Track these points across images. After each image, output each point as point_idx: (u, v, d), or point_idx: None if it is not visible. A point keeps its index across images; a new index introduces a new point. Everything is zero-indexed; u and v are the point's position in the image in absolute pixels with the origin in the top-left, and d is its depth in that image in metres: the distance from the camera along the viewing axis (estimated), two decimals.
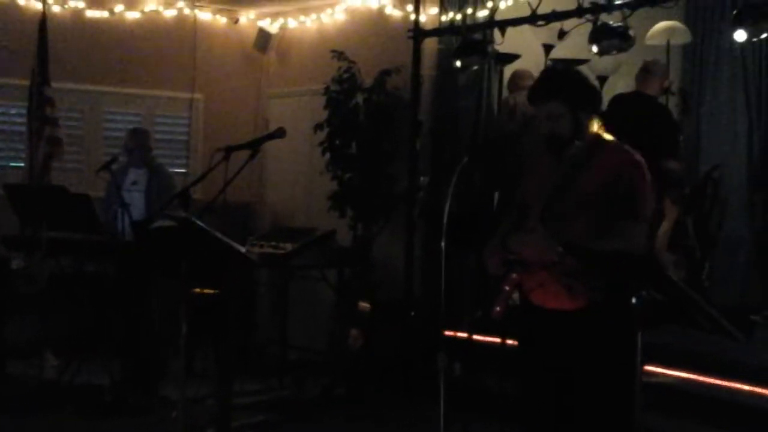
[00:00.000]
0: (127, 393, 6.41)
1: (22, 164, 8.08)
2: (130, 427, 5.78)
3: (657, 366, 5.63)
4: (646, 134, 6.77)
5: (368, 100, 7.80)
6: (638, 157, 3.67)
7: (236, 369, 5.90)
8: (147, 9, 8.89)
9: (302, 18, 9.01)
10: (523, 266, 3.65)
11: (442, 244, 3.88)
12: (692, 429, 5.37)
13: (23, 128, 8.07)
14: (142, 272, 6.47)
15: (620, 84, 8.34)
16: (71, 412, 6.14)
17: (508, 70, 7.55)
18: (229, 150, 4.73)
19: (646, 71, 7.14)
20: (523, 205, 3.80)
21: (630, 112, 6.79)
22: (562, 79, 3.73)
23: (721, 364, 5.72)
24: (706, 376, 5.65)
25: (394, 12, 8.14)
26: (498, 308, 3.65)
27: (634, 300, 3.27)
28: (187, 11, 9.05)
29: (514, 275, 3.65)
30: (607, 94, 7.82)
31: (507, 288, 3.66)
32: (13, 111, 8.42)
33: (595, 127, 3.74)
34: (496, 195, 7.08)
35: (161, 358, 6.66)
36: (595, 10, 6.33)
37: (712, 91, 7.84)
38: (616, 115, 6.98)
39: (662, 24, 7.54)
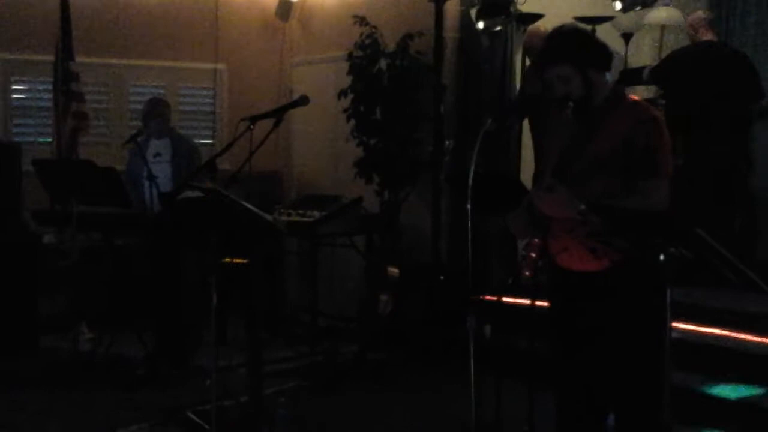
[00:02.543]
0: (160, 364, 6.48)
1: (50, 140, 8.14)
2: (164, 397, 5.85)
3: (687, 323, 5.62)
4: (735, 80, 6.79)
5: (391, 65, 7.76)
6: (654, 112, 3.64)
7: (267, 337, 5.94)
8: None
9: None
10: (545, 230, 3.66)
11: (468, 206, 3.87)
12: (723, 384, 5.36)
13: (50, 104, 8.12)
14: (172, 244, 6.51)
15: (646, 40, 8.28)
16: (106, 384, 6.22)
17: None
18: (254, 119, 4.75)
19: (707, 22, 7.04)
20: (543, 166, 3.80)
21: (712, 64, 6.81)
22: (569, 40, 3.70)
23: (751, 319, 5.71)
24: (736, 332, 5.63)
25: None
26: (527, 272, 3.67)
27: (662, 257, 3.26)
28: None
29: (536, 240, 3.67)
30: (632, 51, 7.79)
31: (533, 255, 3.68)
32: (39, 87, 8.47)
33: (610, 84, 3.72)
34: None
35: (193, 328, 6.72)
36: None
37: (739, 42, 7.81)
38: (698, 67, 6.85)
39: None
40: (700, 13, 7.09)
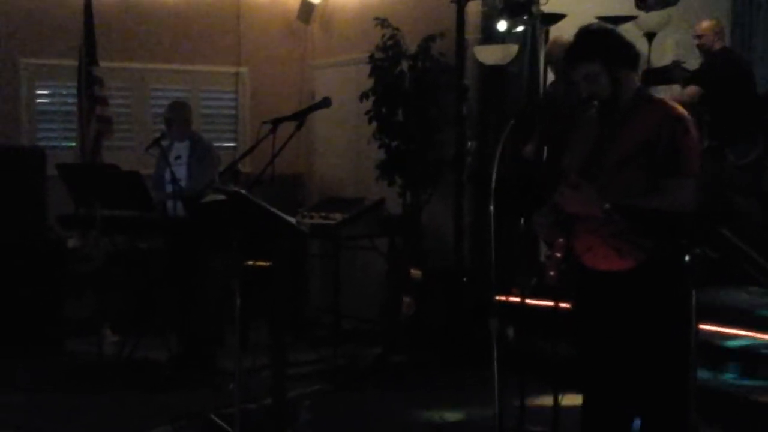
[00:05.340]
0: (184, 367, 6.50)
1: (74, 144, 8.19)
2: (188, 400, 5.86)
3: (713, 324, 5.58)
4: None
5: (413, 67, 7.76)
6: (681, 111, 3.62)
7: (290, 340, 5.94)
8: None
9: None
10: (570, 230, 3.64)
11: (491, 208, 3.86)
12: (748, 387, 5.33)
13: (74, 108, 8.17)
14: (196, 247, 6.53)
15: (669, 40, 8.22)
16: (130, 387, 6.24)
17: (554, 31, 7.46)
18: (276, 122, 4.74)
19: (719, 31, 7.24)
20: (568, 166, 3.78)
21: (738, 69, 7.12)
22: (596, 39, 3.69)
23: None
24: (763, 333, 5.59)
25: None
26: (552, 273, 3.65)
27: (687, 258, 3.23)
28: None
29: (561, 240, 3.65)
30: (656, 51, 7.74)
31: (558, 255, 3.66)
32: (64, 92, 8.52)
33: (638, 83, 3.71)
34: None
35: (217, 331, 6.73)
36: None
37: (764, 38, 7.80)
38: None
39: None
40: (708, 23, 7.16)
